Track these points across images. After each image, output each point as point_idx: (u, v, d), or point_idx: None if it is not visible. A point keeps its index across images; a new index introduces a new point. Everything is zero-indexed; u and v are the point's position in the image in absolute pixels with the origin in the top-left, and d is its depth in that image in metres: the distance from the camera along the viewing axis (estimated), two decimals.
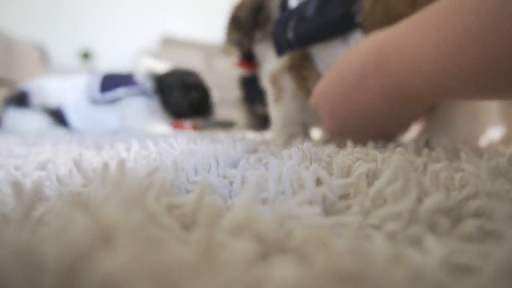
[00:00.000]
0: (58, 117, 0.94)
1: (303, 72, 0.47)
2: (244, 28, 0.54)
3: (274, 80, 0.49)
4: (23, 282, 0.08)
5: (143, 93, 0.96)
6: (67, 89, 0.95)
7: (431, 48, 0.29)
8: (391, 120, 0.38)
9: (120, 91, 0.94)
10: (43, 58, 1.84)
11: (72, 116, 0.93)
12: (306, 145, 0.26)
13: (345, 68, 0.37)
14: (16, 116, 0.93)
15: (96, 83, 0.95)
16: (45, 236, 0.13)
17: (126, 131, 0.91)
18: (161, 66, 1.02)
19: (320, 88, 0.40)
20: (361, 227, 0.15)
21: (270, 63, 0.51)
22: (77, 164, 0.22)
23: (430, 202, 0.15)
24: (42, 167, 0.28)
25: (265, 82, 0.54)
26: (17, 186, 0.16)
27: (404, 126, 0.40)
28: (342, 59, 0.38)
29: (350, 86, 0.36)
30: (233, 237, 0.12)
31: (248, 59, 0.60)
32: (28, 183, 0.22)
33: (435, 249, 0.12)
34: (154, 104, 0.96)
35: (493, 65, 0.26)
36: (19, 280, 0.08)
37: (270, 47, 0.51)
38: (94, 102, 0.93)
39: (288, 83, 0.48)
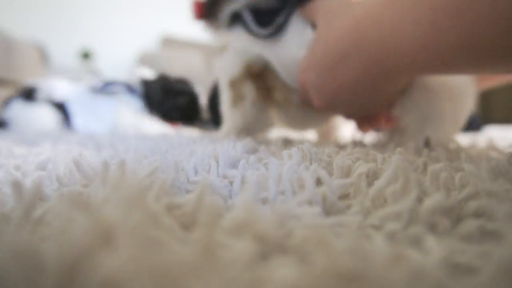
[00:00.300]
0: (61, 111, 0.98)
1: (268, 83, 0.46)
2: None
3: (233, 85, 0.47)
4: (23, 282, 0.08)
5: (138, 95, 1.05)
6: (72, 88, 1.03)
7: (409, 25, 0.29)
8: (376, 94, 0.38)
9: (118, 86, 1.02)
10: (43, 58, 1.84)
11: (73, 107, 0.99)
12: (306, 145, 0.26)
13: (327, 45, 0.37)
14: (21, 108, 0.96)
15: (98, 82, 1.03)
16: (45, 236, 0.13)
17: (122, 126, 0.95)
18: (152, 75, 1.11)
19: (305, 65, 0.40)
20: (361, 227, 0.15)
21: (229, 65, 0.47)
22: (77, 164, 0.22)
23: (430, 202, 0.15)
24: (42, 167, 0.28)
25: (222, 82, 0.50)
26: (17, 186, 0.16)
27: (389, 99, 0.40)
28: (325, 36, 0.38)
29: (333, 62, 0.36)
30: (233, 237, 0.12)
31: None
32: (28, 183, 0.22)
33: (435, 249, 0.12)
34: (142, 105, 1.04)
35: (470, 42, 0.26)
36: (19, 280, 0.08)
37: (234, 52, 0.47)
38: (94, 91, 1.00)
39: (248, 91, 0.46)
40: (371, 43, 0.32)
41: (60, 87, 1.01)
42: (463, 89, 0.40)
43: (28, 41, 1.74)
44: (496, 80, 0.48)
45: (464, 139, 0.59)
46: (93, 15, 2.72)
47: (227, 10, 0.46)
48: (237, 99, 0.47)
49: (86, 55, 2.56)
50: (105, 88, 1.00)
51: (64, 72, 2.21)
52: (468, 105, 0.41)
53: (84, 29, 2.69)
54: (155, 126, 1.02)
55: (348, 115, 0.43)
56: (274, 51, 0.44)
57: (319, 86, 0.39)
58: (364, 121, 0.43)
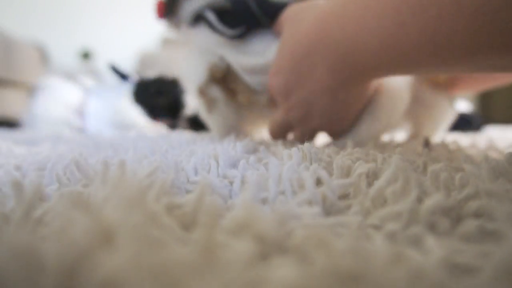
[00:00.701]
0: None
1: (231, 85, 0.45)
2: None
3: (203, 92, 0.47)
4: (23, 282, 0.08)
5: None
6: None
7: (372, 20, 0.28)
8: (347, 100, 0.36)
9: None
10: (43, 58, 1.84)
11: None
12: (306, 145, 0.26)
13: (293, 47, 0.36)
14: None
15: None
16: (45, 236, 0.13)
17: (120, 123, 0.97)
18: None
19: (273, 69, 0.39)
20: (361, 227, 0.15)
21: (193, 71, 0.47)
22: (77, 164, 0.22)
23: (430, 202, 0.15)
24: (42, 167, 0.28)
25: (190, 88, 0.50)
26: (17, 186, 0.16)
27: (355, 108, 0.39)
28: (291, 38, 0.37)
29: (299, 63, 0.35)
30: (233, 237, 0.12)
31: None
32: (28, 183, 0.22)
33: (435, 249, 0.12)
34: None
35: (434, 38, 0.25)
36: (19, 280, 0.08)
37: (191, 50, 0.47)
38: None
39: (218, 93, 0.46)
40: (336, 41, 0.32)
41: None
42: (399, 90, 0.40)
43: (28, 41, 1.74)
44: (497, 81, 0.48)
45: (464, 139, 0.59)
46: (93, 15, 2.72)
47: (188, 9, 0.46)
48: (211, 104, 0.47)
49: (86, 55, 2.56)
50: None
51: (64, 72, 2.21)
52: (401, 108, 0.41)
53: (84, 29, 2.69)
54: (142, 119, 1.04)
55: (322, 129, 0.40)
56: (238, 54, 0.43)
57: (286, 90, 0.38)
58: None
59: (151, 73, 1.17)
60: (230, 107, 0.47)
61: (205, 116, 0.50)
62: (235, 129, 0.48)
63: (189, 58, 0.48)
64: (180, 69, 0.51)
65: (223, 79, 0.45)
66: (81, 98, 1.11)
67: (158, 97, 1.09)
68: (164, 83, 1.11)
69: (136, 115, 1.01)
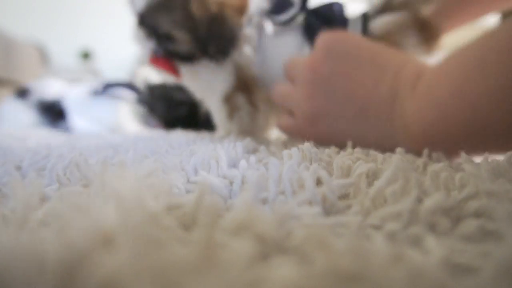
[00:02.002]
0: (54, 111, 0.99)
1: (254, 96, 0.47)
2: (200, 33, 0.45)
3: (228, 99, 0.48)
4: (23, 282, 0.08)
5: (139, 100, 1.04)
6: (69, 89, 1.03)
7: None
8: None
9: (119, 89, 1.01)
10: (43, 58, 1.84)
11: (71, 110, 0.99)
12: (306, 145, 0.26)
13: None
14: (10, 106, 0.99)
15: (99, 84, 1.03)
16: (45, 237, 0.13)
17: (118, 131, 0.96)
18: (156, 76, 1.10)
19: (310, 95, 0.38)
20: (361, 227, 0.15)
21: (221, 83, 0.48)
22: (77, 164, 0.22)
23: (430, 202, 0.15)
24: (42, 167, 0.28)
25: (213, 101, 0.50)
26: (17, 186, 0.16)
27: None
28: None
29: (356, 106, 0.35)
30: (233, 237, 0.12)
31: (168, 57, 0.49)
32: (28, 183, 0.22)
33: (435, 249, 0.12)
34: (145, 111, 1.04)
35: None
36: (19, 280, 0.08)
37: (224, 66, 0.47)
38: (96, 94, 1.00)
39: (242, 101, 0.47)
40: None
41: (53, 88, 1.02)
42: None
43: (28, 41, 1.74)
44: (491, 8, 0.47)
45: None
46: (93, 15, 2.72)
47: None
48: (234, 111, 0.48)
49: (86, 55, 2.56)
50: (107, 91, 1.00)
51: (64, 72, 2.21)
52: None
53: (84, 29, 2.69)
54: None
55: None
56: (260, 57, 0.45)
57: (313, 116, 0.37)
58: None
59: (151, 72, 1.16)
60: (250, 116, 0.48)
61: (219, 120, 0.51)
62: (248, 134, 0.50)
63: (207, 66, 0.48)
64: (190, 78, 0.51)
65: (248, 87, 0.47)
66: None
67: (179, 109, 1.07)
68: (182, 90, 1.10)
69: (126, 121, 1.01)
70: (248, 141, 0.34)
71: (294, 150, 0.24)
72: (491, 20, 0.67)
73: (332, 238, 0.11)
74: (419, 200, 0.16)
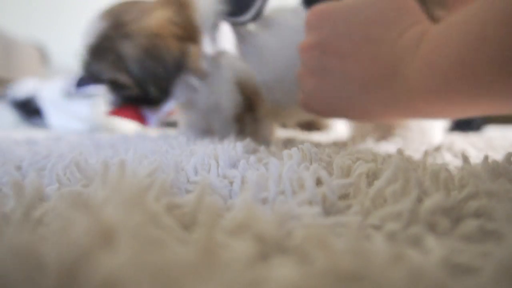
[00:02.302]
0: (28, 108, 1.00)
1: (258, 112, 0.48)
2: (134, 73, 0.40)
3: (239, 118, 0.49)
4: (23, 282, 0.08)
5: None
6: (43, 87, 1.04)
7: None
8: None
9: (93, 88, 0.99)
10: (43, 58, 1.84)
11: (47, 108, 0.99)
12: (306, 145, 0.26)
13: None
14: None
15: (72, 81, 1.02)
16: (45, 236, 0.13)
17: (99, 125, 0.95)
18: None
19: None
20: (361, 227, 0.15)
21: (228, 97, 0.47)
22: (77, 164, 0.22)
23: (430, 202, 0.15)
24: (42, 167, 0.28)
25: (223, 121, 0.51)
26: (17, 186, 0.16)
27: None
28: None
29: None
30: (233, 237, 0.12)
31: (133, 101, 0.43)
32: (28, 183, 0.22)
33: (435, 249, 0.12)
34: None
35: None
36: (19, 280, 0.08)
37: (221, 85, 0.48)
38: (69, 95, 0.99)
39: (250, 121, 0.49)
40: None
41: (26, 85, 1.03)
42: None
43: (28, 41, 1.74)
44: None
45: (464, 139, 0.59)
46: (93, 16, 2.71)
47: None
48: (244, 127, 0.50)
49: None
50: (80, 91, 0.99)
51: (64, 72, 2.21)
52: None
53: (84, 29, 2.68)
54: (130, 125, 1.02)
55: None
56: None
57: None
58: None
59: None
60: (254, 128, 0.50)
61: (222, 130, 0.52)
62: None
63: (214, 81, 0.47)
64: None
65: (252, 104, 0.48)
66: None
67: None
68: None
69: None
70: (248, 141, 0.34)
71: (294, 150, 0.24)
72: None
73: (332, 238, 0.11)
74: (419, 200, 0.16)
